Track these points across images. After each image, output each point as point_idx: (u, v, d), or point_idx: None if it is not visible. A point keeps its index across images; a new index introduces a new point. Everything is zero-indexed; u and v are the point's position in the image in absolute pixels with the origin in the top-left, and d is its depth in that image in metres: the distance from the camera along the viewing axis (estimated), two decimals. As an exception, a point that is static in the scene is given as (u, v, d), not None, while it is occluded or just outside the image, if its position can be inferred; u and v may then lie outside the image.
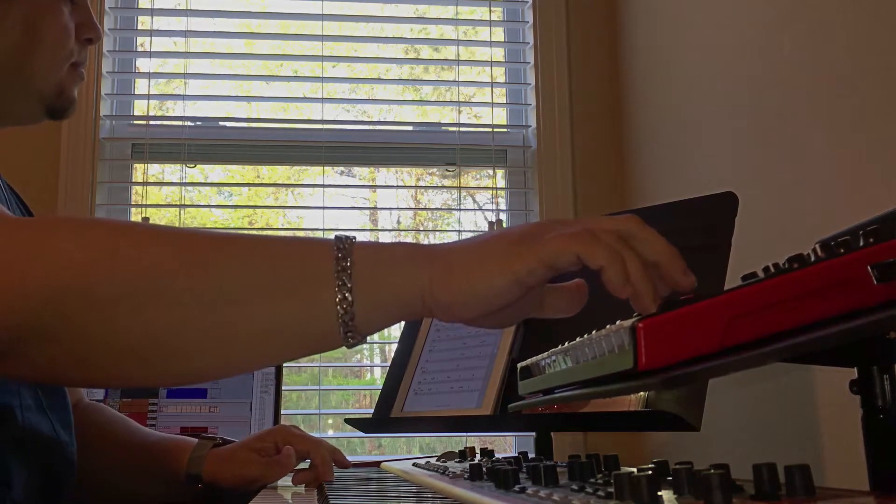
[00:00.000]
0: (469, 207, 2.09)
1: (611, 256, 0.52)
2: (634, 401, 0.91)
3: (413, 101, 2.10)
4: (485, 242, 0.56)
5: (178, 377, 0.59)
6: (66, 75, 0.97)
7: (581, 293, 0.60)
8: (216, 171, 2.05)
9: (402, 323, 1.34)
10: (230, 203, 2.08)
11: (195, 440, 1.10)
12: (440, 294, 0.55)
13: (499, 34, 2.08)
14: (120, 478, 1.09)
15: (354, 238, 0.57)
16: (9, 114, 0.97)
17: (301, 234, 2.03)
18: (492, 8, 2.06)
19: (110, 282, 0.53)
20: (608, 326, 0.48)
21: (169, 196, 1.98)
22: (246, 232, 2.09)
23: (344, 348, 0.57)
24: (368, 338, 0.58)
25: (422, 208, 2.14)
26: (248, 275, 0.55)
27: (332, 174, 2.04)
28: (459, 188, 2.02)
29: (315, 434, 1.84)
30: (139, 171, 1.92)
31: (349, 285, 0.54)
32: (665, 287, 0.54)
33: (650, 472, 0.46)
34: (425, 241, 2.03)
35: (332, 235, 0.57)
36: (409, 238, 2.08)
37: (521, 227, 0.57)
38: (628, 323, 0.45)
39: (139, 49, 2.00)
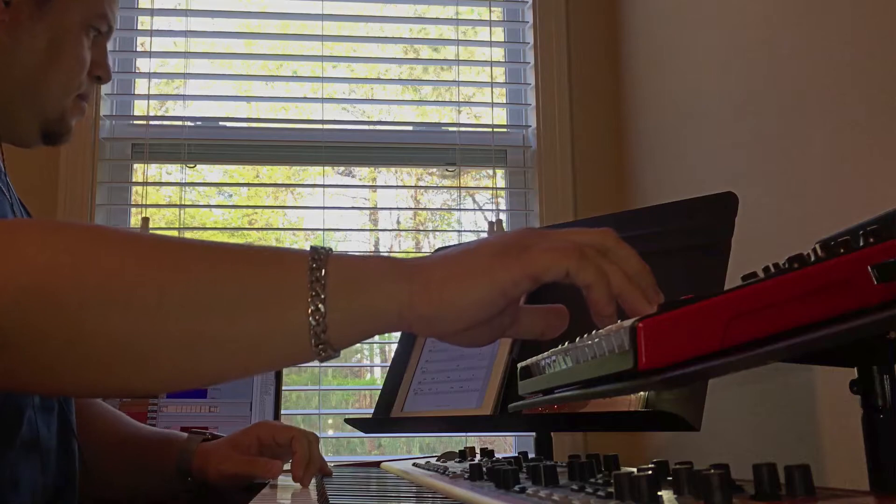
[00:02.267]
0: (469, 207, 2.09)
1: (598, 275, 0.52)
2: (634, 401, 0.91)
3: (413, 101, 2.10)
4: (466, 253, 0.55)
5: (145, 387, 0.57)
6: (71, 104, 1.00)
7: (561, 318, 0.59)
8: (216, 171, 2.05)
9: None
10: (230, 203, 2.08)
11: (186, 435, 1.10)
12: (421, 307, 0.54)
13: (499, 34, 2.08)
14: (114, 471, 1.09)
15: (331, 250, 0.56)
16: (9, 129, 0.98)
17: (301, 234, 2.03)
18: (492, 8, 2.06)
19: (74, 286, 0.51)
20: (608, 326, 0.48)
21: (169, 196, 1.98)
22: (246, 232, 2.09)
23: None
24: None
25: (422, 208, 2.14)
26: (219, 283, 0.54)
27: (332, 174, 2.04)
28: (459, 188, 2.02)
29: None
30: (139, 171, 1.92)
31: (322, 297, 0.53)
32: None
33: (650, 472, 0.46)
34: (425, 242, 2.05)
35: (308, 246, 0.56)
36: (409, 238, 2.08)
37: (503, 238, 0.56)
38: (628, 323, 0.45)
39: (139, 49, 2.00)
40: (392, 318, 0.55)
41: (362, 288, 0.54)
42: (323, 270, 0.54)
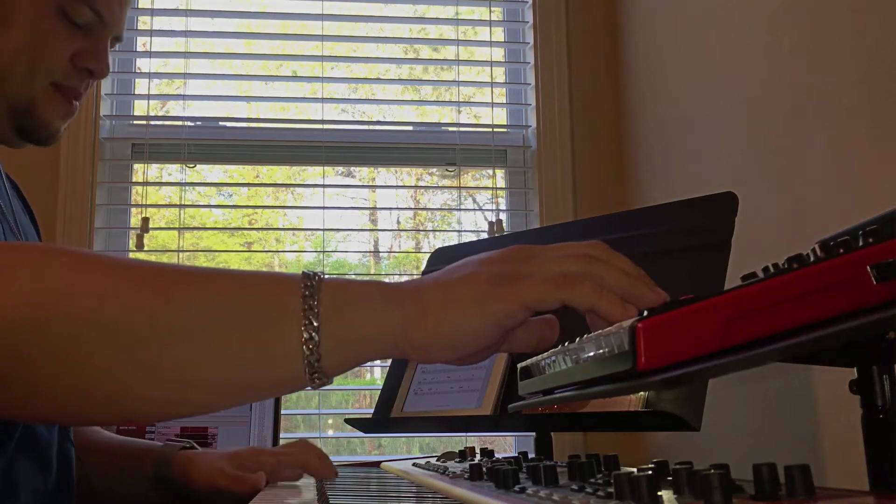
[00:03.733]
0: (469, 207, 2.09)
1: (596, 293, 0.52)
2: (634, 401, 0.91)
3: (413, 101, 2.10)
4: (460, 281, 0.55)
5: (137, 416, 0.57)
6: (42, 92, 0.89)
7: (553, 329, 0.59)
8: (216, 171, 2.05)
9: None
10: (230, 203, 2.08)
11: (160, 444, 1.10)
12: (415, 335, 0.53)
13: (499, 34, 2.08)
14: (94, 478, 1.08)
15: (323, 274, 0.55)
16: None
17: (301, 234, 2.03)
18: (492, 8, 2.06)
19: (66, 314, 0.51)
20: (608, 327, 0.48)
21: (169, 196, 1.98)
22: (246, 232, 2.08)
23: None
24: None
25: (422, 208, 2.14)
26: (210, 312, 0.53)
27: (331, 174, 2.04)
28: (459, 188, 2.02)
29: (315, 434, 1.85)
30: (139, 171, 1.92)
31: (316, 324, 0.52)
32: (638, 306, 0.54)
33: (650, 472, 0.46)
34: (425, 242, 2.05)
35: (300, 271, 0.55)
36: (409, 238, 2.08)
37: (497, 264, 0.55)
38: (628, 323, 0.45)
39: (139, 49, 2.00)
40: (386, 346, 0.54)
41: (356, 316, 0.54)
42: (316, 298, 0.53)
